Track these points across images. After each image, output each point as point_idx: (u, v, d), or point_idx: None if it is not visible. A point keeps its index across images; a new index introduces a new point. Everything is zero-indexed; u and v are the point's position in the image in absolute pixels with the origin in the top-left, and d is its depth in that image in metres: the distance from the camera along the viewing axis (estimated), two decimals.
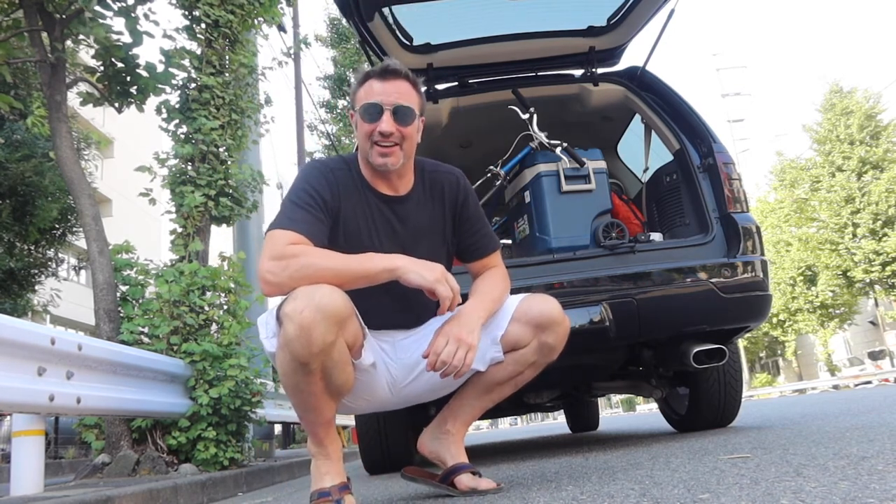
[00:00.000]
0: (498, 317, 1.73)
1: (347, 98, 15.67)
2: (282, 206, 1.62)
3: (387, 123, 1.63)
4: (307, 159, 13.73)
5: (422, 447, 1.85)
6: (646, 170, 3.61)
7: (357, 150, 1.77)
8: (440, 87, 3.50)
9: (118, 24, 4.67)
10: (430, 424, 1.86)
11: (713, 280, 2.62)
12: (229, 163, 5.23)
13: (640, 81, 3.36)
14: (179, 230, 4.88)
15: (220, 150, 5.16)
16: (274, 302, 1.61)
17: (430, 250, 1.73)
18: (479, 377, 1.77)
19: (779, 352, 34.31)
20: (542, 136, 3.16)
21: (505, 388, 1.79)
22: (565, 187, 3.02)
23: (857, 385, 21.28)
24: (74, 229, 9.97)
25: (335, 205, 1.65)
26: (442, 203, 1.79)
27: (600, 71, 3.50)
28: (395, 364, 1.74)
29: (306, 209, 1.58)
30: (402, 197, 1.75)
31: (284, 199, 1.65)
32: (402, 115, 1.65)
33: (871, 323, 29.85)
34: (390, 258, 1.54)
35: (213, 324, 4.65)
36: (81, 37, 4.73)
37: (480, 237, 1.85)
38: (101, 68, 4.79)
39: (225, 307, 4.77)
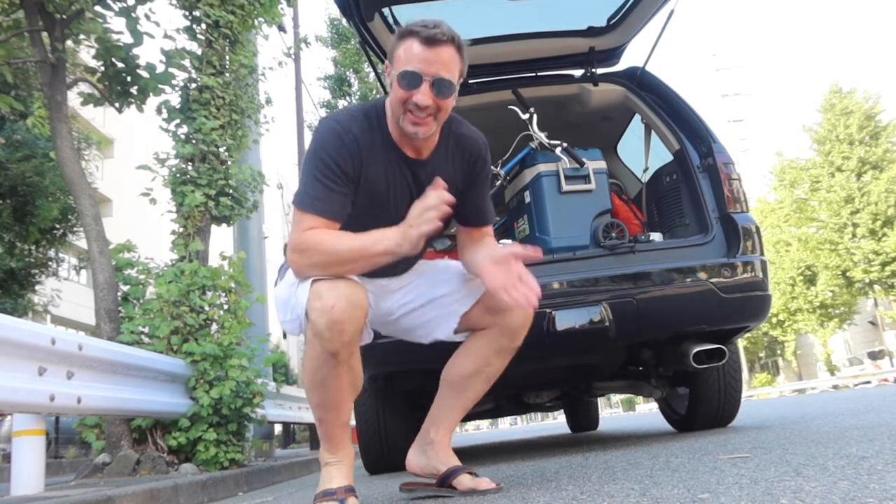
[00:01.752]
0: (465, 295, 1.74)
1: (347, 98, 15.68)
2: (304, 176, 1.60)
3: (424, 95, 1.54)
4: None
5: (411, 466, 1.84)
6: (646, 170, 3.61)
7: (387, 102, 1.67)
8: None
9: (118, 24, 4.67)
10: (413, 442, 1.85)
11: (713, 280, 2.62)
12: (230, 163, 5.23)
13: (640, 82, 3.37)
14: (180, 230, 4.89)
15: (221, 150, 5.16)
16: (282, 284, 1.70)
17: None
18: (447, 375, 1.80)
19: (778, 352, 34.32)
20: (542, 137, 3.16)
21: (476, 381, 1.78)
22: (565, 187, 3.02)
23: (856, 385, 21.29)
24: (75, 229, 9.98)
25: (356, 173, 1.61)
26: (462, 165, 1.76)
27: (600, 71, 3.50)
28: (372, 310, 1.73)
29: (327, 185, 1.56)
30: (425, 161, 1.70)
31: (306, 163, 1.61)
32: (441, 87, 1.55)
33: (871, 323, 29.86)
34: (388, 240, 1.52)
35: (214, 324, 4.65)
36: (82, 37, 4.73)
37: (486, 207, 1.85)
38: (102, 68, 4.79)
39: (225, 307, 4.77)
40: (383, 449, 3.21)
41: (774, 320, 28.49)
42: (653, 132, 3.40)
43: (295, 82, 11.98)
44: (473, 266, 1.74)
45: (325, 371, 1.55)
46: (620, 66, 3.57)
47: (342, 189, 1.58)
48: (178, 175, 4.96)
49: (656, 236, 3.07)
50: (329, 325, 1.47)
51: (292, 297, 1.60)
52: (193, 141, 5.02)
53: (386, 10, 3.17)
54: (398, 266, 1.75)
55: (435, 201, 1.51)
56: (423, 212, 1.51)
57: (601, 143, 3.51)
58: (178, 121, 5.11)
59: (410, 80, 1.54)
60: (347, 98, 15.73)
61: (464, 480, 1.74)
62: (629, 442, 3.21)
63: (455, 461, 1.79)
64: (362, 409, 3.19)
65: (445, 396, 1.82)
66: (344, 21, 11.10)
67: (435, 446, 1.80)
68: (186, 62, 5.18)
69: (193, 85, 5.17)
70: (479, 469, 1.94)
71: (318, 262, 1.52)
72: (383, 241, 1.52)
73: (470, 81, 3.50)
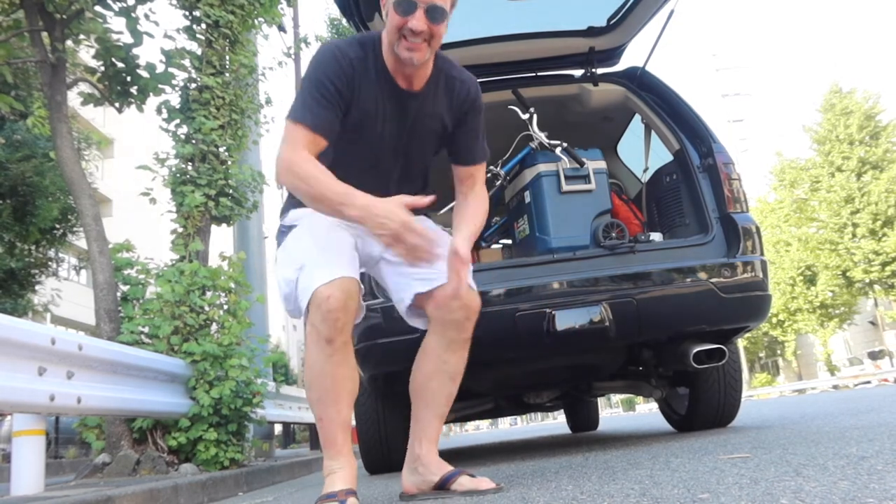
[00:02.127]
0: (430, 277, 1.76)
1: None
2: (300, 93, 1.69)
3: (419, 21, 1.63)
4: None
5: (407, 489, 1.84)
6: (646, 170, 3.61)
7: (384, 33, 1.77)
8: None
9: (118, 24, 4.67)
10: (404, 467, 1.87)
11: (713, 280, 2.62)
12: (230, 163, 5.23)
13: (640, 82, 3.37)
14: (180, 230, 4.89)
15: (221, 150, 5.16)
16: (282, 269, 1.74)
17: (422, 150, 1.87)
18: (412, 385, 1.85)
19: (778, 352, 34.32)
20: (542, 137, 3.16)
21: (440, 383, 1.81)
22: (565, 187, 3.02)
23: (856, 385, 21.29)
24: (75, 229, 9.98)
25: (349, 95, 1.69)
26: (450, 102, 1.84)
27: (600, 71, 3.50)
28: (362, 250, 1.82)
29: (320, 102, 1.65)
30: (416, 93, 1.78)
31: (303, 83, 1.71)
32: (434, 13, 1.64)
33: (871, 323, 29.86)
34: (355, 210, 1.58)
35: (214, 324, 4.65)
36: (82, 37, 4.73)
37: (475, 146, 1.91)
38: (102, 68, 4.79)
39: (225, 307, 4.77)
40: (383, 449, 3.21)
41: (774, 320, 28.49)
42: (653, 132, 3.40)
43: (295, 82, 11.97)
44: (454, 232, 1.84)
45: (322, 359, 1.63)
46: (620, 66, 3.57)
47: (333, 107, 1.66)
48: (178, 175, 4.96)
49: (656, 236, 3.07)
50: (324, 317, 1.59)
51: (294, 290, 1.67)
52: (193, 141, 5.02)
53: None
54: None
55: (410, 237, 1.56)
56: (388, 221, 1.56)
57: (601, 143, 3.51)
58: (178, 121, 5.11)
59: (406, 6, 1.63)
60: None
61: (463, 482, 1.74)
62: (629, 442, 3.21)
63: (447, 467, 1.79)
64: (362, 409, 3.19)
65: (418, 408, 1.85)
66: (344, 21, 11.09)
67: (423, 460, 1.81)
68: (186, 62, 5.18)
69: (193, 85, 5.17)
70: (479, 469, 1.94)
71: (302, 192, 1.64)
72: (352, 209, 1.58)
73: None
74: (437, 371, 1.81)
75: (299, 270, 1.66)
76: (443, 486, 1.77)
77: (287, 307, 1.74)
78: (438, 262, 1.70)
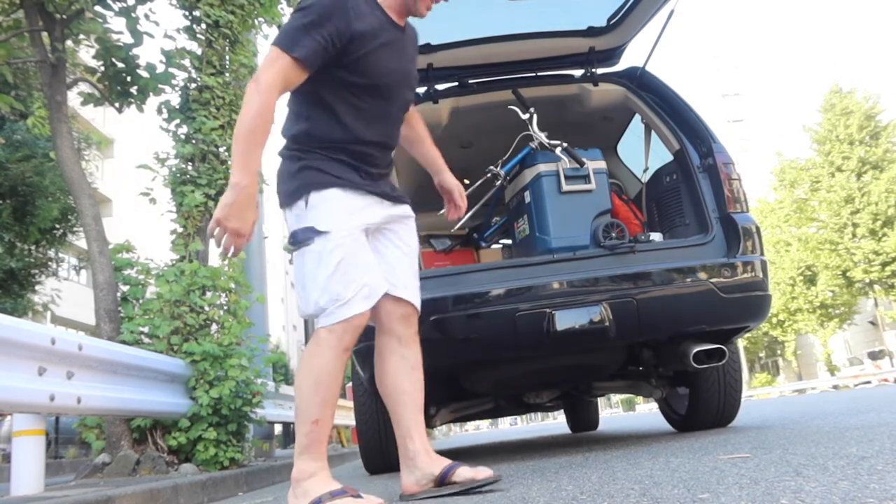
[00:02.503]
0: (393, 283, 1.85)
1: None
2: (290, 21, 1.70)
3: None
4: None
5: (408, 488, 1.83)
6: (646, 170, 3.61)
7: None
8: (440, 87, 3.49)
9: (118, 24, 4.67)
10: (401, 469, 1.88)
11: (713, 280, 2.62)
12: (229, 163, 5.23)
13: (640, 82, 3.37)
14: (180, 230, 4.89)
15: (221, 149, 5.16)
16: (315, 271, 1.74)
17: (412, 82, 2.00)
18: (381, 389, 1.92)
19: (778, 352, 34.32)
20: (542, 137, 3.16)
21: (407, 377, 1.86)
22: (565, 187, 3.02)
23: (856, 385, 21.30)
24: (75, 229, 9.98)
25: (346, 30, 1.69)
26: (414, 46, 2.02)
27: (600, 71, 3.50)
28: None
29: (311, 34, 1.66)
30: (402, 28, 1.89)
31: (295, 12, 1.72)
32: None
33: (871, 323, 29.86)
34: (245, 181, 1.62)
35: (214, 324, 4.65)
36: (82, 37, 4.73)
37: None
38: (102, 68, 4.79)
39: (225, 307, 4.77)
40: (383, 449, 3.21)
41: (774, 320, 28.49)
42: (653, 132, 3.40)
43: None
44: (439, 170, 2.19)
45: (337, 366, 1.69)
46: (620, 66, 3.57)
47: (322, 40, 1.66)
48: (178, 175, 4.96)
49: (656, 236, 3.07)
50: (353, 333, 1.70)
51: (330, 309, 1.67)
52: (193, 141, 5.02)
53: None
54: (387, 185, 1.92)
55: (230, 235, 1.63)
56: (242, 218, 1.62)
57: (601, 143, 3.51)
58: (178, 121, 5.11)
59: None
60: None
61: (462, 472, 1.75)
62: (629, 442, 3.21)
63: (445, 461, 1.80)
64: (362, 409, 3.19)
65: (397, 410, 1.87)
66: None
67: (419, 456, 1.81)
68: (186, 62, 5.18)
69: (193, 85, 5.17)
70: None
71: (245, 116, 1.63)
72: (241, 175, 1.61)
73: (470, 81, 3.50)
74: (401, 367, 1.86)
75: (338, 299, 1.66)
76: (442, 480, 1.77)
77: (307, 310, 1.73)
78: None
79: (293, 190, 1.75)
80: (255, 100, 1.62)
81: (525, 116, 3.22)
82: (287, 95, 1.80)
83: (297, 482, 1.67)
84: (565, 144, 3.07)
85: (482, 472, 1.75)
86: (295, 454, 1.71)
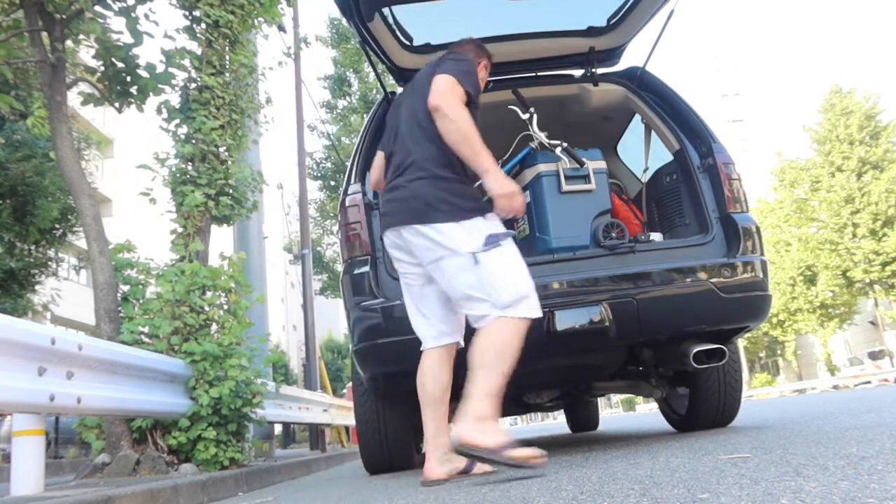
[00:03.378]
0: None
1: (347, 98, 15.69)
2: (467, 64, 2.32)
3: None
4: (307, 159, 13.73)
5: (436, 474, 2.21)
6: (646, 170, 3.61)
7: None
8: None
9: (118, 24, 4.67)
10: (428, 457, 2.25)
11: (713, 280, 2.62)
12: (229, 163, 5.23)
13: (640, 81, 3.37)
14: (180, 230, 4.88)
15: (221, 149, 5.16)
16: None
17: None
18: (430, 397, 2.31)
19: (778, 352, 34.31)
20: (542, 137, 3.16)
21: (448, 388, 2.34)
22: (565, 187, 3.02)
23: (856, 385, 21.30)
24: (75, 229, 9.97)
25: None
26: None
27: (600, 71, 3.50)
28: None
29: (475, 81, 2.32)
30: None
31: (465, 61, 2.34)
32: None
33: (871, 323, 29.85)
34: (493, 164, 2.20)
35: (214, 324, 4.65)
36: (82, 37, 4.72)
37: None
38: (102, 68, 4.78)
39: (225, 307, 4.76)
40: (383, 449, 3.21)
41: (774, 320, 28.48)
42: (653, 132, 3.40)
43: (295, 82, 11.97)
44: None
45: (520, 344, 2.05)
46: (620, 66, 3.57)
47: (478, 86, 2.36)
48: (178, 175, 4.96)
49: (656, 236, 3.07)
50: (527, 326, 2.09)
51: (519, 300, 2.07)
52: (193, 141, 5.02)
53: (386, 10, 3.16)
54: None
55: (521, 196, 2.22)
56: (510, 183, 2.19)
57: (601, 143, 3.51)
58: (178, 121, 5.10)
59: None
60: (347, 98, 15.73)
61: (481, 467, 2.21)
62: (629, 442, 3.21)
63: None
64: (362, 409, 3.19)
65: (437, 412, 2.29)
66: (344, 21, 11.09)
67: (451, 452, 2.18)
68: (186, 62, 5.17)
69: (193, 85, 5.16)
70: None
71: (456, 126, 2.12)
72: (487, 162, 2.14)
73: None
74: (448, 384, 2.31)
75: (528, 297, 2.10)
76: (467, 471, 2.25)
77: (506, 298, 2.05)
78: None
79: (470, 207, 2.19)
80: (450, 103, 2.15)
81: (525, 116, 3.22)
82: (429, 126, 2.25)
83: (481, 420, 1.99)
84: (565, 144, 3.07)
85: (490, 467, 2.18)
86: (479, 396, 2.00)
